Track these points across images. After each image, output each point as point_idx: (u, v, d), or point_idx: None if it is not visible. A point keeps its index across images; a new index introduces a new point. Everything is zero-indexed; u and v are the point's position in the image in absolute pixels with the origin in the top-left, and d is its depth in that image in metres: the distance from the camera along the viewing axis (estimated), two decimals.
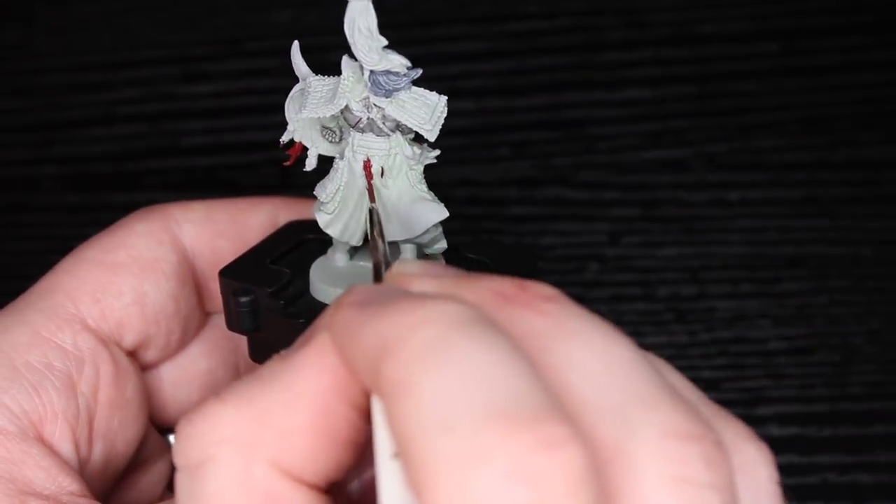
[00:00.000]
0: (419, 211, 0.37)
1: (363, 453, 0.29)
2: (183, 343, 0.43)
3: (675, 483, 0.26)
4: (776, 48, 0.72)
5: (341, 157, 0.38)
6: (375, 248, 0.34)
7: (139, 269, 0.41)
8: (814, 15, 0.73)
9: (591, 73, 0.71)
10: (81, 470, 0.39)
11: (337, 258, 0.39)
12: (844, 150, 0.68)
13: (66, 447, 0.38)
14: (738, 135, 0.69)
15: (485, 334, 0.26)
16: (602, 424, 0.26)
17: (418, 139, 0.38)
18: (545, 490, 0.24)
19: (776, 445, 0.57)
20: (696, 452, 0.26)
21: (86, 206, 0.67)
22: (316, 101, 0.37)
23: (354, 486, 0.31)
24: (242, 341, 0.41)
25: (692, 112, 0.70)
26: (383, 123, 0.37)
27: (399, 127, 0.37)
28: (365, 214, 0.38)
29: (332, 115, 0.37)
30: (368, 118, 0.37)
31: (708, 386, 0.60)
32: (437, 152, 0.38)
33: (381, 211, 0.37)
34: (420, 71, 0.36)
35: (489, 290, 0.28)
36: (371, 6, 0.35)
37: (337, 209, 0.38)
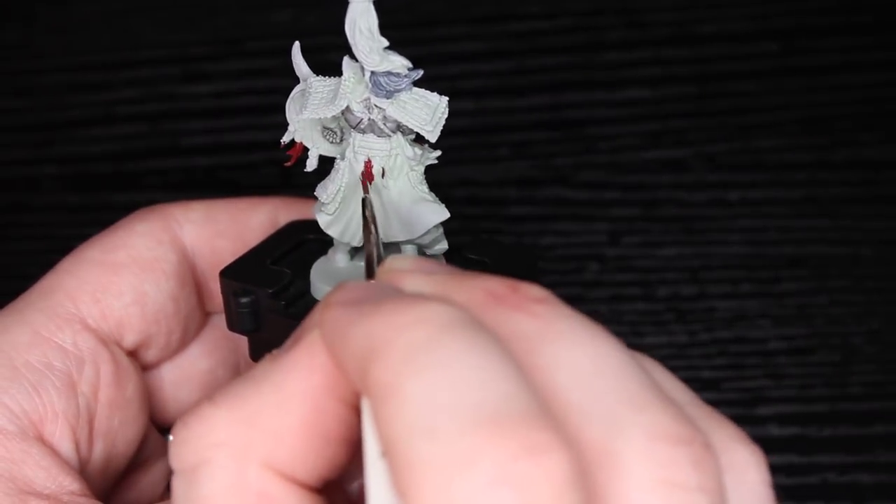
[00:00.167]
0: (420, 212, 0.37)
1: (358, 452, 0.29)
2: (183, 343, 0.43)
3: (662, 486, 0.26)
4: (776, 48, 0.72)
5: (342, 158, 0.38)
6: (368, 239, 0.34)
7: (139, 269, 0.41)
8: (814, 15, 0.73)
9: (591, 73, 0.71)
10: (82, 469, 0.39)
11: (338, 259, 0.39)
12: (844, 150, 0.69)
13: (66, 447, 0.38)
14: (738, 135, 0.69)
15: (473, 337, 0.26)
16: (589, 426, 0.26)
17: (419, 140, 0.38)
18: (529, 496, 0.24)
19: (776, 445, 0.58)
20: (684, 455, 0.26)
21: (86, 206, 0.67)
22: (317, 102, 0.37)
23: (354, 486, 0.31)
24: (242, 341, 0.41)
25: (692, 112, 0.70)
26: (384, 124, 0.37)
27: (400, 128, 0.37)
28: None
29: (333, 116, 0.37)
30: (369, 119, 0.37)
31: (708, 386, 0.60)
32: (438, 153, 0.38)
33: (381, 212, 0.37)
34: (421, 72, 0.36)
35: (480, 289, 0.28)
36: (372, 7, 0.35)
37: (338, 210, 0.38)
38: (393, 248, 0.39)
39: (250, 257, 0.40)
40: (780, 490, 0.59)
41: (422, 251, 0.39)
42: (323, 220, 0.38)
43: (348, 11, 0.36)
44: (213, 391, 0.35)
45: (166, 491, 0.43)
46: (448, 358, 0.25)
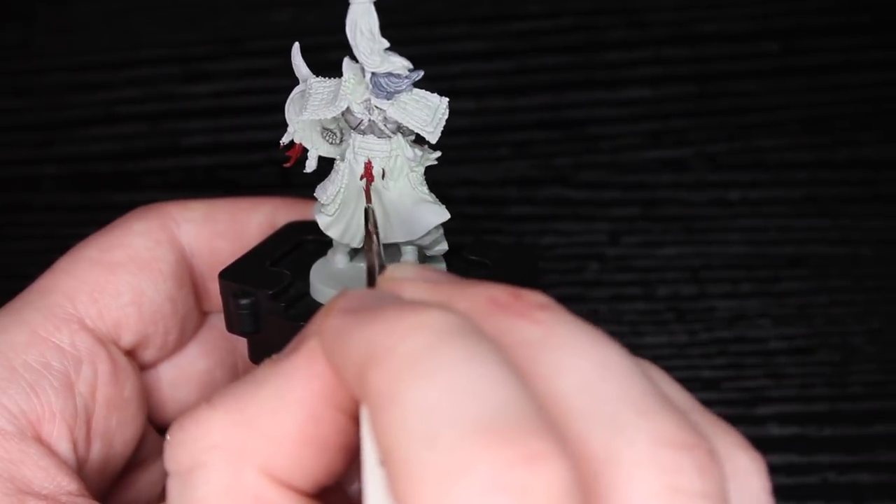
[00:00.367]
0: (420, 213, 0.37)
1: (356, 458, 0.29)
2: (181, 343, 0.43)
3: (667, 492, 0.26)
4: (776, 48, 0.72)
5: (342, 159, 0.38)
6: (370, 249, 0.34)
7: (137, 269, 0.41)
8: (814, 15, 0.73)
9: (591, 73, 0.71)
10: (80, 469, 0.39)
11: (337, 260, 0.39)
12: (844, 149, 0.68)
13: (64, 447, 0.38)
14: (738, 135, 0.69)
15: (472, 345, 0.26)
16: (593, 433, 0.26)
17: (419, 140, 0.38)
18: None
19: (776, 445, 0.58)
20: (688, 461, 0.26)
21: (86, 206, 0.67)
22: (317, 103, 0.37)
23: (354, 488, 0.31)
24: (240, 342, 0.41)
25: (692, 112, 0.70)
26: (384, 125, 0.37)
27: (400, 129, 0.37)
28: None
29: (333, 118, 0.37)
30: (370, 120, 0.37)
31: (708, 386, 0.60)
32: (438, 154, 0.38)
33: (381, 213, 0.37)
34: (421, 73, 0.36)
35: (483, 297, 0.28)
36: (373, 8, 0.35)
37: (338, 211, 0.38)
38: (393, 249, 0.38)
39: (249, 258, 0.40)
40: (780, 490, 0.59)
41: (422, 252, 0.39)
42: (323, 222, 0.38)
43: (349, 12, 0.36)
44: (210, 391, 0.35)
45: (164, 491, 0.43)
46: (446, 366, 0.25)
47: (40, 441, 0.38)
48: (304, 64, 0.38)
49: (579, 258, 0.65)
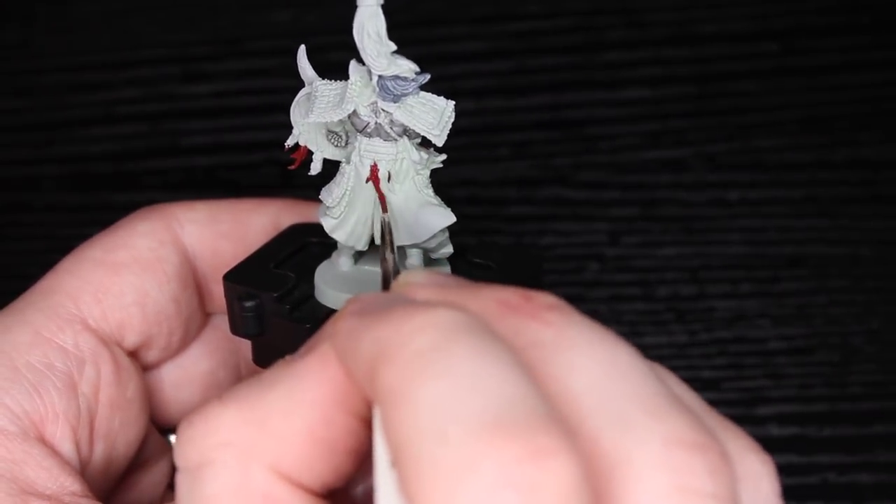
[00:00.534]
0: (426, 216, 0.37)
1: (365, 461, 0.29)
2: (184, 343, 0.43)
3: (678, 492, 0.26)
4: (776, 48, 0.72)
5: (347, 162, 0.38)
6: (385, 259, 0.34)
7: (141, 270, 0.41)
8: (814, 15, 0.73)
9: (591, 73, 0.72)
10: (83, 470, 0.39)
11: (342, 262, 0.39)
12: (844, 149, 0.69)
13: (67, 447, 0.38)
14: (738, 135, 0.69)
15: (482, 342, 0.26)
16: (605, 433, 0.26)
17: (424, 143, 0.37)
18: (534, 500, 0.24)
19: (776, 445, 0.58)
20: (700, 462, 0.26)
21: (86, 206, 0.67)
22: (323, 106, 0.37)
23: (359, 490, 0.31)
24: (243, 343, 0.41)
25: (692, 112, 0.70)
26: (391, 128, 0.37)
27: (406, 132, 0.37)
28: (370, 219, 0.38)
29: (339, 120, 0.37)
30: (376, 123, 0.37)
31: (708, 386, 0.60)
32: (444, 157, 0.38)
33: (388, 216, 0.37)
34: (428, 76, 0.36)
35: (494, 299, 0.28)
36: (380, 11, 0.35)
37: (343, 214, 0.38)
38: (399, 252, 0.38)
39: (253, 261, 0.40)
40: (780, 490, 0.59)
41: (427, 255, 0.39)
42: (328, 225, 0.38)
43: (356, 15, 0.36)
44: (213, 392, 0.35)
45: (167, 491, 0.43)
46: (456, 363, 0.25)
47: (43, 441, 0.37)
48: (310, 66, 0.38)
49: (579, 258, 0.65)
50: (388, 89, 0.36)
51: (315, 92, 0.37)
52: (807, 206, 0.66)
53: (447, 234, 0.38)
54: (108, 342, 0.40)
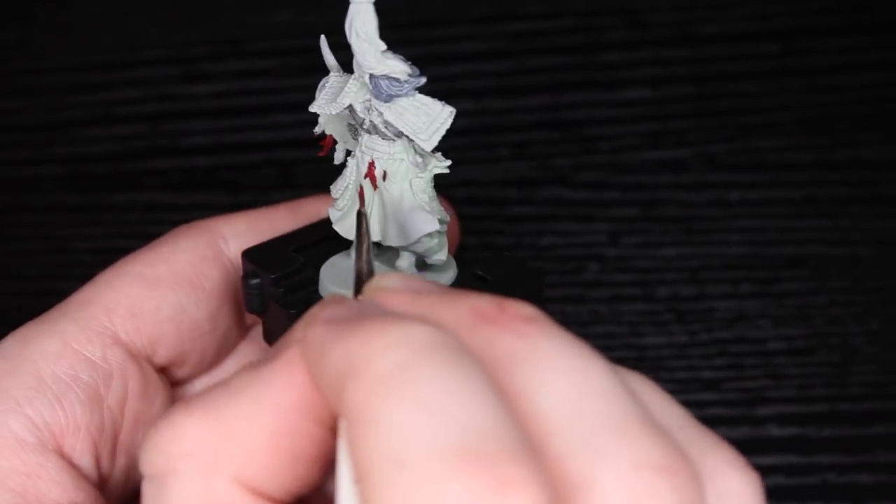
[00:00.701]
0: (413, 219, 0.37)
1: (330, 470, 0.28)
2: (218, 359, 0.42)
3: None
4: (776, 48, 0.72)
5: (353, 156, 0.38)
6: (359, 255, 0.33)
7: (178, 285, 0.40)
8: (814, 15, 0.73)
9: (591, 74, 0.71)
10: (102, 484, 0.38)
11: (353, 256, 0.39)
12: (844, 150, 0.69)
13: (86, 461, 0.37)
14: (738, 135, 0.69)
15: (452, 363, 0.25)
16: (571, 453, 0.26)
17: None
18: None
19: (776, 445, 0.58)
20: (665, 485, 0.25)
21: (86, 206, 0.67)
22: (325, 98, 0.37)
23: (330, 487, 0.31)
24: None
25: (692, 112, 0.70)
26: (385, 127, 0.36)
27: (402, 133, 0.37)
28: (371, 214, 0.38)
29: (355, 113, 0.37)
30: (370, 121, 0.37)
31: (708, 386, 0.60)
32: (448, 162, 0.37)
33: (382, 215, 0.37)
34: (424, 79, 0.36)
35: (467, 308, 0.28)
36: (371, 9, 0.35)
37: (346, 207, 0.38)
38: (391, 252, 0.38)
39: (276, 242, 0.40)
40: (780, 490, 0.59)
41: (421, 259, 0.38)
42: (333, 216, 0.38)
43: (348, 13, 0.35)
44: None
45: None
46: (423, 385, 0.25)
47: (61, 454, 0.37)
48: (332, 55, 0.37)
49: (579, 259, 0.65)
50: (380, 88, 0.36)
51: (325, 82, 0.37)
52: (807, 206, 0.66)
53: (438, 239, 0.37)
54: (138, 357, 0.39)
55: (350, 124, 0.38)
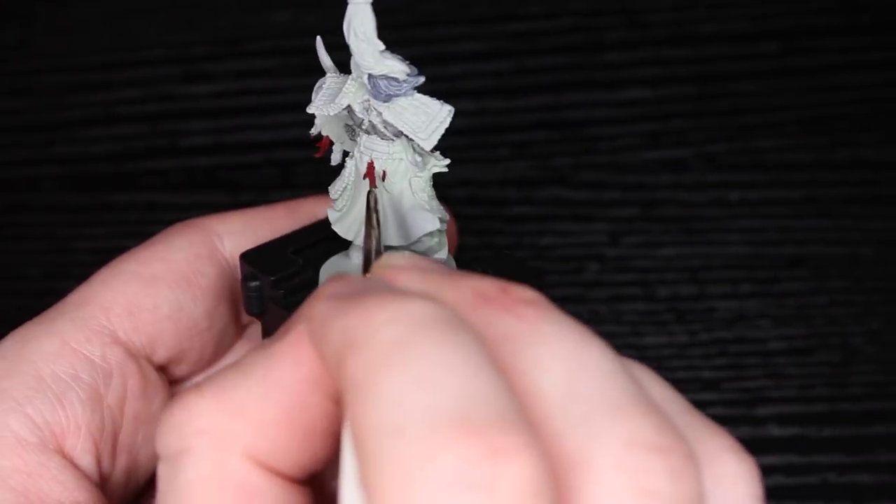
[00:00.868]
0: (413, 219, 0.37)
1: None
2: (216, 357, 0.42)
3: (636, 494, 0.25)
4: (776, 48, 0.72)
5: (352, 156, 0.38)
6: (368, 234, 0.34)
7: (176, 283, 0.40)
8: (814, 15, 0.73)
9: (591, 74, 0.72)
10: (103, 484, 0.38)
11: (353, 257, 0.39)
12: (844, 150, 0.69)
13: (86, 460, 0.37)
14: (738, 135, 0.69)
15: (451, 336, 0.25)
16: (568, 432, 0.26)
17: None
18: (491, 500, 0.24)
19: (776, 445, 0.58)
20: (660, 464, 0.26)
21: (86, 206, 0.67)
22: (323, 99, 0.37)
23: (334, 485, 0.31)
24: None
25: (692, 112, 0.70)
26: (384, 127, 0.36)
27: (401, 132, 0.37)
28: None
29: (353, 113, 0.37)
30: (369, 121, 0.37)
31: (708, 386, 0.60)
32: (447, 161, 0.37)
33: (383, 213, 0.37)
34: (422, 79, 0.36)
35: (471, 289, 0.28)
36: (369, 8, 0.35)
37: (345, 207, 0.38)
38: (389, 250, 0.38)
39: (275, 244, 0.40)
40: (780, 490, 0.59)
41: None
42: (331, 217, 0.38)
43: (346, 12, 0.35)
44: None
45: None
46: (421, 357, 0.25)
47: (62, 454, 0.37)
48: (328, 57, 0.37)
49: (579, 258, 0.65)
50: (379, 88, 0.36)
51: (322, 83, 0.37)
52: (807, 206, 0.66)
53: (437, 239, 0.38)
54: (137, 356, 0.39)
55: (347, 125, 0.38)
